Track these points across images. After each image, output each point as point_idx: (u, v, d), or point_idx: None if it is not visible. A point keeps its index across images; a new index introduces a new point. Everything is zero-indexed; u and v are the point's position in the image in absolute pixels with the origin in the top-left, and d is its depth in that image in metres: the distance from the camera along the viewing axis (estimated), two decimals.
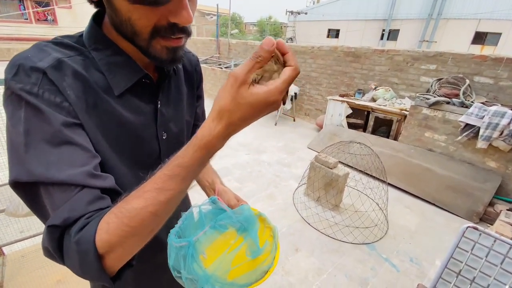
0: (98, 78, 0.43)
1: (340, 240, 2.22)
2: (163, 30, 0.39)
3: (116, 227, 0.33)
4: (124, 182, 0.45)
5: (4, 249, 1.69)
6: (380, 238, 2.28)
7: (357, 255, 2.08)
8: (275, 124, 5.31)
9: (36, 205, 0.37)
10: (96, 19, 0.45)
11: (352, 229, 2.32)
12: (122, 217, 0.33)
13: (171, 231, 0.50)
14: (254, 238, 0.49)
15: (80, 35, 0.46)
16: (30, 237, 1.65)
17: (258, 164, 3.53)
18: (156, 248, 0.49)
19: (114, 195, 0.39)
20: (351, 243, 2.20)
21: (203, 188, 0.72)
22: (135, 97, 0.48)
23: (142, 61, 0.47)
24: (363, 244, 2.20)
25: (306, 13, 16.04)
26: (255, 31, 27.88)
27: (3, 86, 0.37)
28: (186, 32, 0.42)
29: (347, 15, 14.22)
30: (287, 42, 12.14)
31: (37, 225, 1.72)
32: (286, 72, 0.33)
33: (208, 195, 0.69)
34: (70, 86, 0.39)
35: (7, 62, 0.37)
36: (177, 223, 0.52)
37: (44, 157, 0.35)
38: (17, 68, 0.36)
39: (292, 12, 16.60)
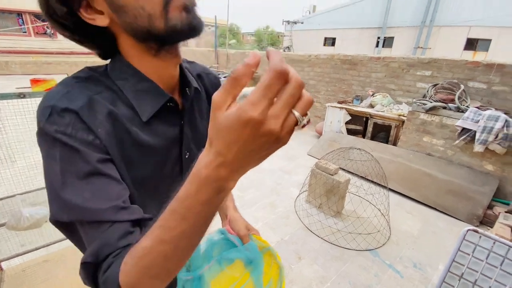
0: (125, 110, 0.45)
1: (343, 247, 2.21)
2: None
3: (131, 269, 0.33)
4: (146, 206, 0.46)
5: (3, 264, 1.65)
6: (383, 244, 2.27)
7: (361, 262, 2.08)
8: None
9: (75, 238, 0.39)
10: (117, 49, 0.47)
11: (354, 235, 2.32)
12: (135, 257, 0.33)
13: None
14: (258, 279, 0.50)
15: (107, 65, 0.48)
16: (32, 250, 1.63)
17: (259, 172, 3.53)
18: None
19: (145, 224, 0.40)
20: (354, 249, 2.19)
21: (218, 210, 0.74)
22: (161, 122, 0.49)
23: (166, 85, 0.49)
24: (366, 250, 2.19)
25: (302, 23, 16.36)
26: (252, 40, 28.33)
27: (36, 125, 0.39)
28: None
29: (342, 24, 14.52)
30: (284, 51, 12.32)
31: (39, 238, 1.71)
32: (261, 78, 0.25)
33: (221, 218, 0.72)
34: (101, 123, 0.41)
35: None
36: None
37: (80, 194, 0.37)
38: (50, 110, 0.38)
39: (288, 22, 16.94)
